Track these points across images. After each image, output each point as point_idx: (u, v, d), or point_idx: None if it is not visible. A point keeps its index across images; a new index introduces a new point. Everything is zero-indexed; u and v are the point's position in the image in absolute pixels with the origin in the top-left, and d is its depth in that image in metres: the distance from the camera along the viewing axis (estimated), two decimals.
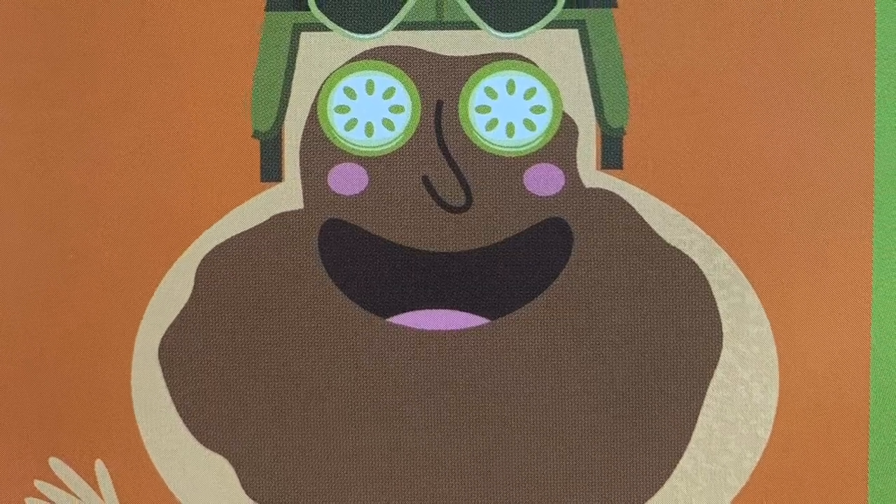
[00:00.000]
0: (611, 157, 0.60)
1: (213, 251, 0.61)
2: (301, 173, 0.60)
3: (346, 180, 0.60)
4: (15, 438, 0.62)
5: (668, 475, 0.61)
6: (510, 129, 0.60)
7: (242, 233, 0.60)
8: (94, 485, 0.62)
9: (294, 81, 0.60)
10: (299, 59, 0.60)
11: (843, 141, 0.59)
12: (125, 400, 0.61)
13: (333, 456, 0.61)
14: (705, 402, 0.61)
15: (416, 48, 0.60)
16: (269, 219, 0.60)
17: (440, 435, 0.61)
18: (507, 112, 0.60)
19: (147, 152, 0.60)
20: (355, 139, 0.60)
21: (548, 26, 0.59)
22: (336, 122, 0.60)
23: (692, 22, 0.59)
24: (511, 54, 0.60)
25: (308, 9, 0.60)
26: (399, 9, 0.59)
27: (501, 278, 0.60)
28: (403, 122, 0.60)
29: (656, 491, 0.61)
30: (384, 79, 0.60)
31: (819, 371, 0.60)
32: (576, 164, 0.60)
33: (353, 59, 0.60)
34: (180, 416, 0.62)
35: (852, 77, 0.59)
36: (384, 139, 0.60)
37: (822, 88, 0.59)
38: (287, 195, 0.60)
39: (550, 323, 0.60)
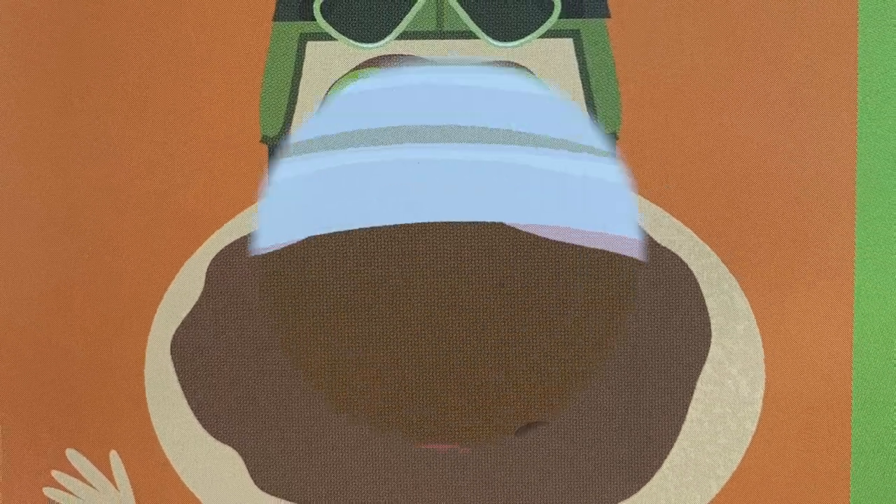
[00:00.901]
0: None
1: (223, 251, 0.61)
2: None
3: None
4: (33, 431, 0.63)
5: (658, 466, 0.61)
6: None
7: (251, 233, 0.61)
8: (109, 475, 0.62)
9: (300, 88, 0.60)
10: (305, 66, 0.60)
11: (826, 145, 0.60)
12: (139, 393, 0.62)
13: (338, 447, 0.61)
14: (694, 396, 0.61)
15: (417, 56, 0.60)
16: None
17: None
18: None
19: (161, 156, 0.61)
20: None
21: (544, 36, 0.60)
22: None
23: (681, 32, 0.60)
24: (508, 62, 0.60)
25: (314, 19, 0.60)
26: (401, 19, 0.60)
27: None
28: None
29: (647, 481, 0.61)
30: None
31: (804, 367, 0.61)
32: None
33: (357, 68, 0.60)
34: (191, 409, 0.62)
35: (835, 81, 0.59)
36: None
37: (807, 94, 0.59)
38: None
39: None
